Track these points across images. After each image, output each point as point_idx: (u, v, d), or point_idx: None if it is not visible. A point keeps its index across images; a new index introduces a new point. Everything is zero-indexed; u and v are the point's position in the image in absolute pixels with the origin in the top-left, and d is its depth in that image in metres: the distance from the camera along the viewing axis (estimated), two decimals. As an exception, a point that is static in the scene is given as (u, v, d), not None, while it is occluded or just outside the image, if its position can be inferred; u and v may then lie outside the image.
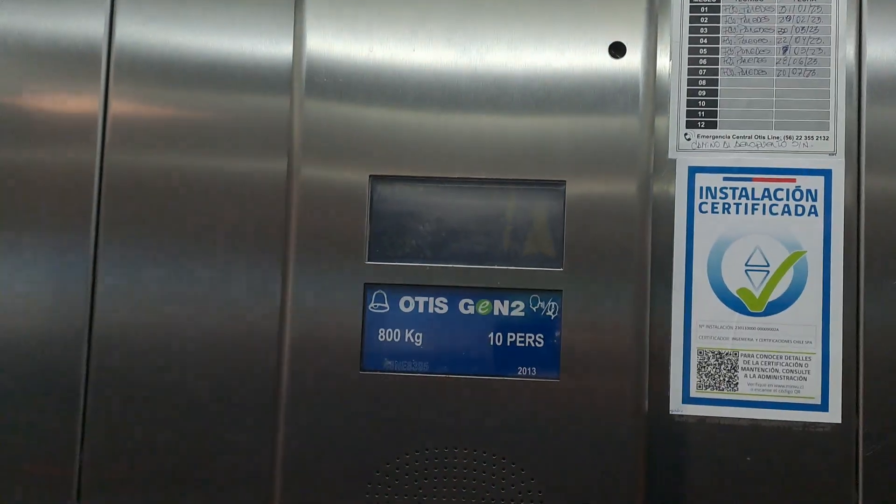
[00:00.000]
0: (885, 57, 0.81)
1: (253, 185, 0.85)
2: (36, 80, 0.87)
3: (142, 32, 0.88)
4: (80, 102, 0.87)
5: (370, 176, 0.81)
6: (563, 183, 0.79)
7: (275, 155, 0.84)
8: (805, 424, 0.79)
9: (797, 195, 0.80)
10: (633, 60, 0.80)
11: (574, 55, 0.80)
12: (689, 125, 0.82)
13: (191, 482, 0.84)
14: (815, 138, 0.81)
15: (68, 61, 0.88)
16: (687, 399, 0.80)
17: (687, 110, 0.82)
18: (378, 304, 0.80)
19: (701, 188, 0.81)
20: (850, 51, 0.81)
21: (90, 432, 0.84)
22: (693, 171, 0.82)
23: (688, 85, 0.82)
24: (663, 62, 0.83)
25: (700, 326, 0.80)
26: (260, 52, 0.87)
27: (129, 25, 0.88)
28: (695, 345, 0.80)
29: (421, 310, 0.80)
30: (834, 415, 0.78)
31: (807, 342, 0.79)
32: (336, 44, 0.82)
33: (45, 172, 0.86)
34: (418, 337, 0.80)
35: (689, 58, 0.83)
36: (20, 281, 0.86)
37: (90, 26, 0.88)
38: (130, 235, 0.86)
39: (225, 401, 0.84)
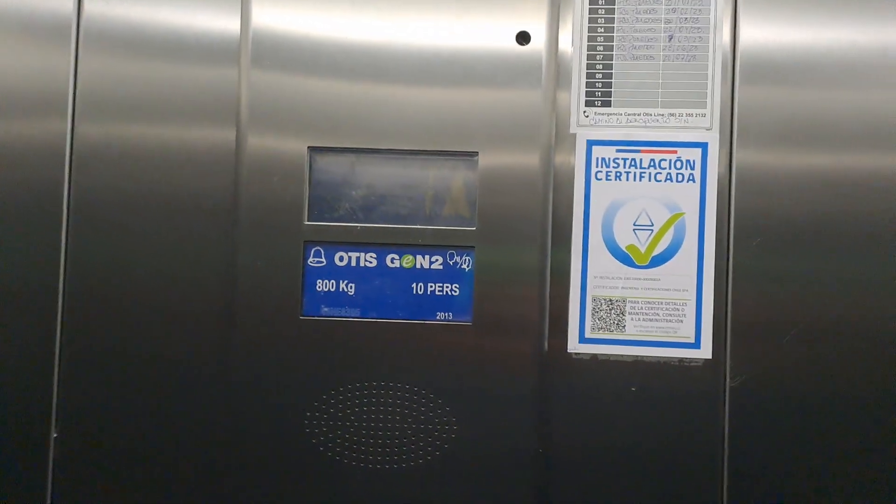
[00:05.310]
0: (755, 44, 0.94)
1: (207, 152, 0.95)
2: (8, 54, 0.96)
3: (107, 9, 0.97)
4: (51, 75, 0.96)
5: (308, 147, 0.92)
6: (475, 154, 0.92)
7: (227, 125, 0.94)
8: (681, 359, 0.92)
9: (678, 164, 0.93)
10: (536, 47, 0.92)
11: (486, 42, 0.92)
12: (588, 104, 0.94)
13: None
14: (694, 115, 0.93)
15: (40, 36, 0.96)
16: (583, 340, 0.93)
17: (586, 91, 0.94)
18: (316, 259, 0.92)
19: (597, 159, 0.94)
20: (726, 39, 0.94)
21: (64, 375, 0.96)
22: (590, 143, 0.94)
23: (587, 69, 0.95)
24: (565, 48, 0.94)
25: (594, 278, 0.93)
26: (215, 26, 0.95)
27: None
28: (590, 294, 0.93)
29: (353, 264, 0.92)
30: (705, 351, 0.92)
31: (683, 290, 0.93)
32: (280, 18, 0.93)
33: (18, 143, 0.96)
34: (351, 287, 0.92)
35: (587, 45, 0.95)
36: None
37: (61, 3, 0.96)
38: (99, 201, 0.96)
39: (183, 341, 0.95)
